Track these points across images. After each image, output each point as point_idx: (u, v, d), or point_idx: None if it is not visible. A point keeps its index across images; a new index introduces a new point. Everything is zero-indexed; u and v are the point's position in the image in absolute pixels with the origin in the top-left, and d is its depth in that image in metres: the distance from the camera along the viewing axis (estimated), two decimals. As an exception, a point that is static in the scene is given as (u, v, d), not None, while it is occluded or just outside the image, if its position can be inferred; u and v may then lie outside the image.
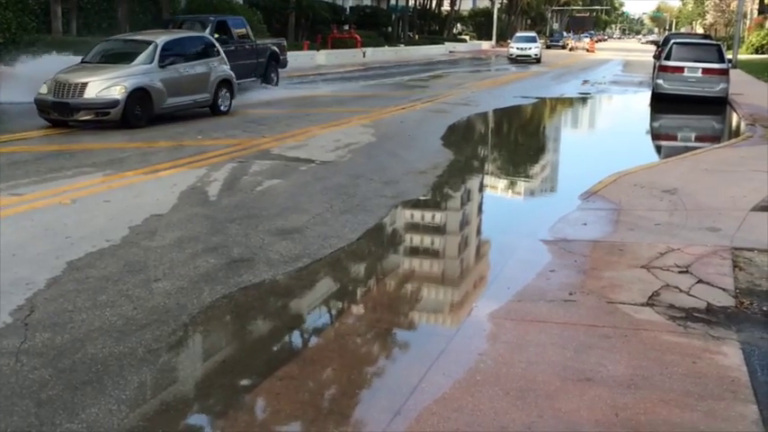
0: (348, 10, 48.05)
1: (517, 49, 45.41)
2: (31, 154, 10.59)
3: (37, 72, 14.91)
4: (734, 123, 17.48)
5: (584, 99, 23.39)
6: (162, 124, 13.53)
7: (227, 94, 15.77)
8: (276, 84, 21.91)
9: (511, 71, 34.97)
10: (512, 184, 10.95)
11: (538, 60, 43.83)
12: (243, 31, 20.68)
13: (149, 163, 10.09)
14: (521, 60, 43.57)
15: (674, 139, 16.13)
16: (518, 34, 52.13)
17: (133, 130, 12.83)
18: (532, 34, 50.03)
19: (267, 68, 21.40)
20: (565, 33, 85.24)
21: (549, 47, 69.69)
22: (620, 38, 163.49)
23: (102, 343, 4.58)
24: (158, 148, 11.38)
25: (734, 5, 58.80)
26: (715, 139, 15.41)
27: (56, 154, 10.68)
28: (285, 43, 23.80)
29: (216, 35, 18.42)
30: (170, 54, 14.22)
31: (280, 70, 22.68)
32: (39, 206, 7.69)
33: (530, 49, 44.88)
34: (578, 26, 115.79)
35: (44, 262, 6.01)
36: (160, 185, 8.80)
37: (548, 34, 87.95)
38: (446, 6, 69.28)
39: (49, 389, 4.02)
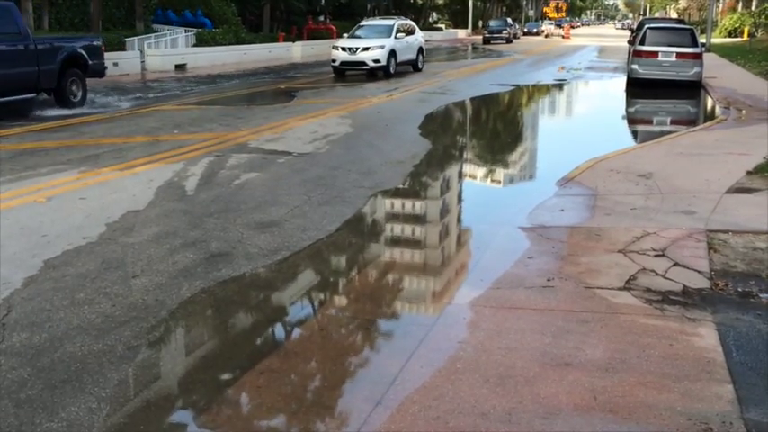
0: (323, 0, 47.88)
1: (342, 50, 24.18)
2: (6, 152, 10.47)
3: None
4: (708, 107, 17.65)
5: (560, 86, 23.47)
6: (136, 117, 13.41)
7: None
8: (81, 102, 15.91)
9: (486, 59, 35.01)
10: (490, 172, 10.99)
11: (386, 72, 23.87)
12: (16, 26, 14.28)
13: (125, 159, 10.02)
14: (350, 73, 24.54)
15: (650, 123, 16.23)
16: (365, 22, 28.18)
17: (108, 125, 12.71)
18: (389, 22, 26.05)
19: (62, 80, 15.29)
20: (510, 21, 63.83)
21: (487, 41, 53.18)
22: (588, 24, 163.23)
23: (80, 341, 4.56)
24: (134, 144, 11.29)
25: (707, -11, 59.17)
26: (690, 122, 15.55)
27: (30, 152, 10.57)
28: (100, 42, 17.40)
29: None
30: None
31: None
32: (14, 205, 7.61)
33: (366, 50, 23.72)
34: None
35: (20, 261, 5.97)
36: (137, 181, 8.74)
37: (523, 21, 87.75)
38: (421, -5, 69.03)
39: (28, 388, 3.99)
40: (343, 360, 4.46)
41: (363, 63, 23.70)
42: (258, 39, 34.77)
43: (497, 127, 15.89)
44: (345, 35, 27.17)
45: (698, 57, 19.57)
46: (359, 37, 25.12)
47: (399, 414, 3.70)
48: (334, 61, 24.32)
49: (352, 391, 4.04)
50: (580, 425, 3.59)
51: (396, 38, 24.67)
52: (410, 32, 26.40)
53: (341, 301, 5.59)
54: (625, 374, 4.06)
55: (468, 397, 3.84)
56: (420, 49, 26.64)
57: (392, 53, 24.08)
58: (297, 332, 4.95)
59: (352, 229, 7.21)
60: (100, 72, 17.16)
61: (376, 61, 23.61)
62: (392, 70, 24.06)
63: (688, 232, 6.63)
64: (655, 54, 19.57)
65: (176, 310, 5.10)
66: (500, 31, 54.47)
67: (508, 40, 53.55)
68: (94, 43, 16.95)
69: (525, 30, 75.08)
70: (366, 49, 23.74)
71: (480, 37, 58.27)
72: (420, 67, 26.51)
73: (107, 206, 7.63)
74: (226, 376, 4.25)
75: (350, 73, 24.30)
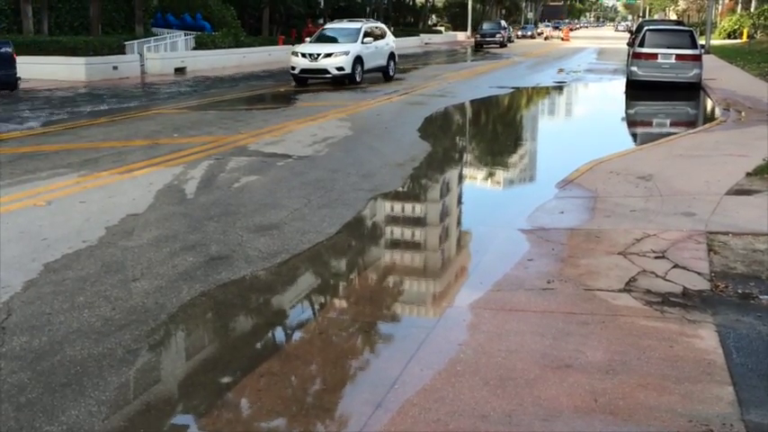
0: (322, 3, 47.92)
1: (302, 56, 21.81)
2: (6, 156, 10.47)
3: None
4: (708, 108, 17.64)
5: (559, 88, 23.48)
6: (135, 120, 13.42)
7: None
8: None
9: (485, 61, 35.03)
10: (489, 175, 10.98)
11: (351, 80, 21.75)
12: None
13: (125, 162, 10.02)
14: (312, 80, 22.13)
15: (650, 125, 16.22)
16: (330, 25, 25.71)
17: (107, 129, 12.72)
18: (356, 26, 23.53)
19: None
20: (504, 24, 57.86)
21: (479, 45, 50.66)
22: (587, 26, 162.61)
23: (80, 344, 4.55)
24: (133, 147, 11.30)
25: (706, -9, 59.15)
26: (689, 124, 15.54)
27: (30, 155, 10.57)
28: (11, 49, 14.89)
29: None
30: None
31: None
32: (13, 209, 7.61)
33: (329, 56, 21.41)
34: (552, 15, 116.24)
35: (20, 265, 5.96)
36: (136, 185, 8.74)
37: (522, 24, 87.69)
38: (420, -2, 69.03)
39: (29, 392, 3.99)
40: (343, 363, 4.45)
41: (325, 71, 21.43)
42: (258, 42, 34.76)
43: (497, 129, 15.89)
44: (308, 39, 24.39)
45: (697, 58, 19.58)
46: (323, 41, 22.80)
47: (399, 417, 3.70)
48: (293, 68, 21.94)
49: (353, 394, 4.04)
50: (580, 427, 3.58)
51: (363, 43, 22.38)
52: (380, 37, 23.82)
53: (341, 303, 5.59)
54: (625, 376, 4.05)
55: (469, 399, 3.84)
56: (391, 55, 24.15)
57: (358, 60, 21.87)
58: (297, 335, 4.95)
59: (352, 232, 7.20)
60: (10, 83, 14.83)
61: (339, 69, 21.35)
62: (358, 78, 21.94)
63: (688, 234, 6.62)
64: (654, 56, 19.58)
65: (176, 313, 5.10)
66: (493, 35, 51.74)
67: (502, 44, 51.03)
68: (2, 51, 14.60)
69: (520, 33, 74.48)
70: (329, 55, 21.44)
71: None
72: (391, 74, 24.06)
73: (107, 210, 7.63)
74: (226, 379, 4.25)
75: (312, 81, 22.21)
